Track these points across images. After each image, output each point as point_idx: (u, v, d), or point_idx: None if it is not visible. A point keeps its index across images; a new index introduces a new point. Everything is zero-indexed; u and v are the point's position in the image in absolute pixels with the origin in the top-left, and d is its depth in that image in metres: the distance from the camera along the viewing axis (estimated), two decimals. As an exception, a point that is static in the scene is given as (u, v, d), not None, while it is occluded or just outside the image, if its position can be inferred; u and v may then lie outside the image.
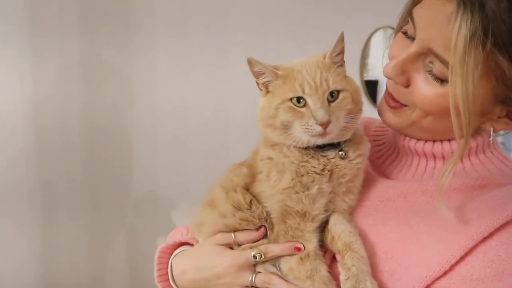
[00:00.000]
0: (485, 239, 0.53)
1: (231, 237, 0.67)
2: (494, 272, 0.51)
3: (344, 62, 0.66)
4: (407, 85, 0.59)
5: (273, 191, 0.66)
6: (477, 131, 0.65)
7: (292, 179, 0.64)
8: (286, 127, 0.63)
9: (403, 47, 0.59)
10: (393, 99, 0.63)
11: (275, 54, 2.76)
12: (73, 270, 2.32)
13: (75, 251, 2.33)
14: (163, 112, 2.46)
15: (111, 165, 2.37)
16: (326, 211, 0.67)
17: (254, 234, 0.67)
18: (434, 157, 0.65)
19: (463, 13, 0.48)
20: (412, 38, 0.58)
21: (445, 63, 0.52)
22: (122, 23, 2.26)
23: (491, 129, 0.62)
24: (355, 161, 0.66)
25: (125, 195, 2.45)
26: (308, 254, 0.62)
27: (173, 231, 0.90)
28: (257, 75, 0.66)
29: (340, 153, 0.65)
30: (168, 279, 0.76)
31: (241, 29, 2.55)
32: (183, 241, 0.80)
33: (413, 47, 0.56)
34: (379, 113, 0.69)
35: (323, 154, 0.64)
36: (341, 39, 0.62)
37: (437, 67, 0.54)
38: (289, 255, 0.63)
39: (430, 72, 0.56)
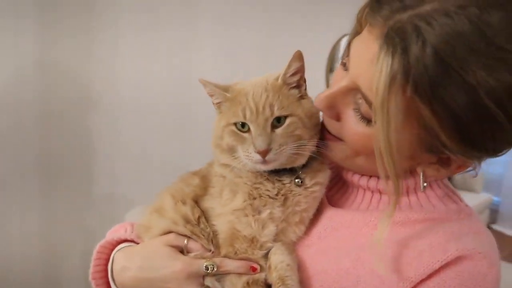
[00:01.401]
0: (423, 280, 0.53)
1: (183, 240, 0.63)
2: None
3: (302, 81, 0.63)
4: (338, 119, 0.57)
5: (223, 210, 0.63)
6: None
7: (244, 201, 0.61)
8: (231, 150, 0.61)
9: (340, 78, 0.56)
10: (328, 131, 0.61)
11: (245, 31, 2.78)
12: (26, 268, 2.24)
13: (28, 250, 2.24)
14: (125, 101, 2.41)
15: (69, 163, 2.29)
16: (274, 240, 0.63)
17: (206, 250, 0.64)
18: (380, 191, 0.63)
19: (385, 55, 0.44)
20: (347, 70, 0.56)
21: (369, 104, 0.50)
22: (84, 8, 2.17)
23: (421, 173, 0.57)
24: (311, 189, 0.63)
25: (83, 195, 2.38)
26: (257, 281, 0.59)
27: (115, 226, 0.83)
28: (210, 95, 0.64)
29: (296, 180, 0.62)
30: (103, 276, 0.70)
31: (211, 10, 2.49)
32: (129, 238, 0.73)
33: (344, 82, 0.54)
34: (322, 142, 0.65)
35: (278, 178, 0.62)
36: (296, 58, 0.60)
37: (364, 107, 0.52)
38: (242, 273, 0.59)
39: (357, 110, 0.53)
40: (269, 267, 0.60)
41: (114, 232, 0.77)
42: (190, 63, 2.58)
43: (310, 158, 0.63)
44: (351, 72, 0.53)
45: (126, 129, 2.51)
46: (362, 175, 0.64)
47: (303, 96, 0.63)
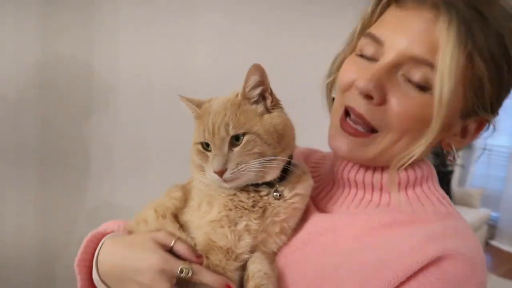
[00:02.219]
0: (402, 282, 0.51)
1: (171, 241, 0.60)
2: None
3: (267, 94, 0.62)
4: (382, 102, 0.56)
5: (201, 222, 0.62)
6: (417, 164, 0.63)
7: (219, 212, 0.60)
8: (199, 167, 0.62)
9: (362, 68, 0.58)
10: (362, 124, 0.59)
11: (246, 23, 2.80)
12: (21, 264, 2.24)
13: (23, 247, 2.22)
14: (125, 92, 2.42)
15: (67, 159, 2.30)
16: (251, 251, 0.62)
17: (194, 254, 0.60)
18: (372, 188, 0.64)
19: (449, 20, 0.50)
20: (371, 59, 0.58)
21: (430, 65, 0.52)
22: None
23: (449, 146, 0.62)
24: (291, 201, 0.62)
25: (80, 192, 2.37)
26: None
27: (110, 221, 0.84)
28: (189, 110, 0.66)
29: (274, 194, 0.61)
30: (87, 266, 0.70)
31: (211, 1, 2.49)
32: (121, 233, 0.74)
33: (388, 58, 0.55)
34: (330, 134, 0.65)
35: (255, 189, 0.61)
36: (253, 71, 0.59)
37: (417, 74, 0.54)
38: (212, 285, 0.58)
39: (409, 81, 0.55)
40: (247, 277, 0.59)
41: (108, 225, 0.77)
42: (191, 57, 2.60)
43: (287, 171, 0.63)
44: (395, 46, 0.54)
45: (127, 124, 2.51)
46: (358, 170, 0.64)
47: (269, 110, 0.62)
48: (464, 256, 0.52)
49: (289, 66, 3.58)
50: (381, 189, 0.63)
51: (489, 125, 0.61)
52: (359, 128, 0.59)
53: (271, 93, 0.62)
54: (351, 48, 0.64)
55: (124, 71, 2.44)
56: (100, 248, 0.64)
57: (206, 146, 0.60)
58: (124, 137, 2.49)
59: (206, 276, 0.57)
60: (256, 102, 0.61)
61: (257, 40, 2.90)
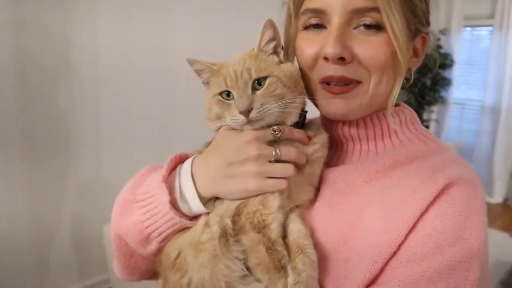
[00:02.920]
0: (422, 214, 0.56)
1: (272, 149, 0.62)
2: (433, 245, 0.54)
3: (279, 49, 0.67)
4: (352, 58, 0.61)
5: None
6: (400, 109, 0.71)
7: None
8: (218, 117, 0.65)
9: (315, 39, 0.63)
10: (342, 81, 0.63)
11: (222, 7, 2.79)
12: (13, 251, 2.28)
13: (15, 229, 2.27)
14: (105, 76, 2.45)
15: (51, 140, 2.30)
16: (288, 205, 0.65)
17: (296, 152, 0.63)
18: (367, 138, 0.69)
19: None
20: (318, 26, 0.63)
21: (374, 10, 0.58)
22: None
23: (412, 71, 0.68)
24: (313, 149, 0.66)
25: (67, 171, 2.39)
26: (276, 241, 0.60)
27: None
28: (198, 73, 0.67)
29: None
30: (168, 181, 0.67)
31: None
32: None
33: (336, 19, 0.60)
34: (324, 105, 0.68)
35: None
36: (268, 26, 0.64)
37: (367, 21, 0.60)
38: (299, 141, 0.64)
39: (363, 27, 0.60)
40: (287, 234, 0.62)
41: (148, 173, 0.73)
42: (170, 31, 2.60)
43: (307, 123, 0.68)
44: (337, 7, 0.59)
45: (109, 100, 2.53)
46: (351, 126, 0.69)
47: (282, 61, 0.67)
48: (465, 180, 0.59)
49: None
50: (374, 138, 0.69)
51: (429, 38, 0.69)
52: (342, 85, 0.64)
53: (282, 48, 0.67)
54: (294, 29, 0.68)
55: (103, 49, 2.42)
56: (190, 166, 0.65)
57: (226, 96, 0.63)
58: (106, 113, 2.50)
59: (294, 132, 0.63)
60: (271, 54, 0.66)
61: (234, 25, 2.90)
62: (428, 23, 0.67)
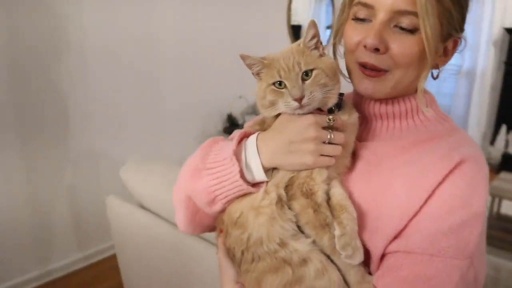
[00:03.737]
0: (439, 183, 0.68)
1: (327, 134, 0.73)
2: (447, 208, 0.66)
3: (319, 44, 0.76)
4: (386, 51, 0.71)
5: None
6: (423, 94, 0.78)
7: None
8: (272, 104, 0.74)
9: (363, 28, 0.73)
10: (374, 69, 0.74)
11: None
12: (14, 229, 2.34)
13: (13, 209, 2.33)
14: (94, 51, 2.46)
15: (45, 118, 2.33)
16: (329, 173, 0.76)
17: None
18: (394, 116, 0.80)
19: None
20: (365, 19, 0.73)
21: (413, 14, 0.68)
22: None
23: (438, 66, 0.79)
24: (352, 126, 0.78)
25: (61, 150, 2.43)
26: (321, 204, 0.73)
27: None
28: (249, 66, 0.76)
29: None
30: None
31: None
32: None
33: (381, 16, 0.70)
34: (356, 83, 0.79)
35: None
36: (311, 26, 0.74)
37: (406, 20, 0.69)
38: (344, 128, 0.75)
39: (401, 28, 0.70)
40: (330, 197, 0.74)
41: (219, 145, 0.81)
42: (153, 19, 2.66)
43: (342, 105, 0.78)
44: (385, 6, 0.69)
45: (100, 75, 2.56)
46: (381, 103, 0.80)
47: (322, 55, 0.77)
48: (474, 158, 0.71)
49: (248, 34, 3.58)
50: (400, 117, 0.80)
51: (461, 41, 0.78)
52: (374, 72, 0.75)
53: (321, 43, 0.78)
54: (345, 16, 0.78)
55: (93, 26, 2.41)
56: (255, 142, 0.75)
57: (279, 85, 0.73)
58: (97, 90, 2.53)
59: (343, 123, 0.75)
60: (314, 49, 0.76)
61: (217, 10, 2.91)
62: (462, 30, 0.75)
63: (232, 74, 3.55)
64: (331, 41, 0.84)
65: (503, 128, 4.84)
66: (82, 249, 2.65)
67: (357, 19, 0.75)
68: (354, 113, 0.79)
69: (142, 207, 1.78)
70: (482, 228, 0.68)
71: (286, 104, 0.72)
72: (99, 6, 2.43)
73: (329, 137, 0.72)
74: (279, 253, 0.71)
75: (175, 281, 1.63)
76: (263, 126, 0.81)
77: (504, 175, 3.57)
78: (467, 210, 0.67)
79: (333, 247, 0.70)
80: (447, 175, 0.69)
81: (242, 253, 0.74)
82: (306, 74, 0.72)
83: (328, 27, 4.44)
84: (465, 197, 0.68)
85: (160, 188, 1.65)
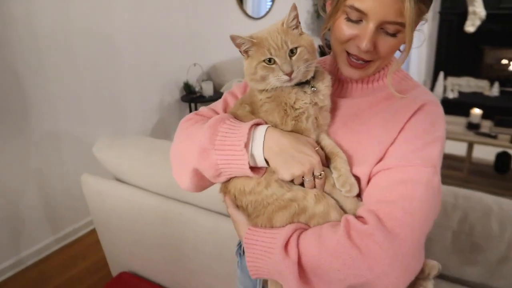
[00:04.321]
0: (408, 119, 0.84)
1: (320, 171, 0.83)
2: (415, 135, 0.82)
3: (298, 23, 0.85)
4: (374, 48, 0.84)
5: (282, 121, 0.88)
6: (390, 60, 0.93)
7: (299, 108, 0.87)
8: (263, 79, 0.83)
9: (354, 28, 0.83)
10: (362, 60, 0.87)
11: None
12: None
13: None
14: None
15: (4, 109, 2.25)
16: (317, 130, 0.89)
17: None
18: (367, 81, 0.94)
19: None
20: (357, 21, 0.82)
21: (398, 24, 0.79)
22: None
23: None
24: (324, 90, 0.89)
25: (24, 137, 2.37)
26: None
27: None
28: (239, 45, 0.85)
29: (312, 88, 0.87)
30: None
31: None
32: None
33: (371, 25, 0.80)
34: (342, 66, 0.91)
35: (303, 90, 0.87)
36: (293, 9, 0.83)
37: (391, 28, 0.81)
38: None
39: (386, 33, 0.82)
40: (323, 147, 0.87)
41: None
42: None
43: (315, 73, 0.88)
44: (375, 17, 0.79)
45: (60, 54, 2.48)
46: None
47: (301, 34, 0.86)
48: (434, 102, 0.87)
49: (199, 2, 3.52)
50: (372, 80, 0.94)
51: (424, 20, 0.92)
52: (361, 62, 0.88)
53: (299, 23, 0.88)
54: (337, 13, 0.86)
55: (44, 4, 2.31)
56: (263, 135, 0.84)
57: (268, 62, 0.82)
58: (55, 68, 2.46)
59: (322, 182, 0.84)
60: (295, 28, 0.86)
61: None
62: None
63: (186, 43, 3.54)
64: (322, 31, 0.95)
65: (441, 75, 5.19)
66: (55, 232, 2.64)
67: (349, 20, 0.85)
68: (326, 77, 0.91)
69: (119, 181, 1.81)
70: (442, 148, 0.84)
71: (277, 78, 0.82)
72: None
73: (310, 179, 0.83)
74: (285, 196, 0.83)
75: (165, 248, 1.71)
76: (252, 107, 0.91)
77: (445, 117, 3.90)
78: (430, 135, 0.82)
79: (332, 185, 0.84)
80: (413, 114, 0.85)
81: (254, 207, 0.86)
82: (292, 51, 0.83)
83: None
84: (428, 126, 0.83)
85: (137, 161, 1.69)
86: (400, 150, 0.82)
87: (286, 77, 0.82)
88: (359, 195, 0.85)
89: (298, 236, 0.78)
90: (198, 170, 0.89)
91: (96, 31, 2.69)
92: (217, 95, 3.47)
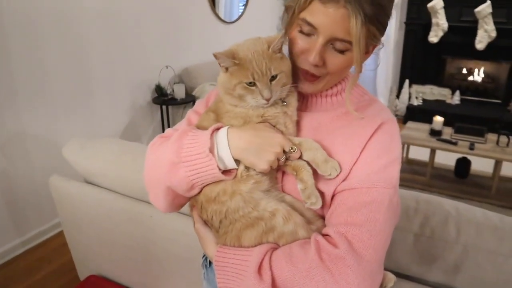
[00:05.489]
0: (369, 139, 0.87)
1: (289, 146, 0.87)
2: (376, 155, 0.86)
3: (282, 47, 0.88)
4: (322, 64, 0.86)
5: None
6: (347, 76, 0.97)
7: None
8: (240, 97, 0.87)
9: (306, 41, 0.86)
10: (313, 75, 0.89)
11: None
12: None
13: None
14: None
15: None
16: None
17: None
18: (326, 95, 0.97)
19: (353, 12, 0.78)
20: (309, 34, 0.85)
21: (347, 42, 0.82)
22: None
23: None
24: (292, 105, 0.93)
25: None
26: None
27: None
28: (220, 62, 0.88)
29: (283, 103, 0.91)
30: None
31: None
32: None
33: (320, 40, 0.82)
34: (300, 86, 0.93)
35: (274, 105, 0.91)
36: (282, 36, 0.87)
37: (339, 45, 0.83)
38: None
39: (334, 49, 0.84)
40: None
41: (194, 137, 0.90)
42: None
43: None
44: (324, 32, 0.82)
45: (21, 59, 2.42)
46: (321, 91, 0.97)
47: (282, 57, 0.89)
48: (390, 120, 0.91)
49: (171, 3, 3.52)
50: (331, 95, 0.97)
51: (381, 44, 0.96)
52: (314, 78, 0.92)
53: (281, 47, 0.91)
54: (292, 26, 0.90)
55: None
56: (226, 136, 0.86)
57: (249, 84, 0.85)
58: (21, 65, 2.40)
59: (297, 155, 0.88)
60: (278, 52, 0.89)
61: None
62: (380, 39, 0.91)
63: (158, 45, 3.53)
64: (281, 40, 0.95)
65: (406, 83, 5.38)
66: (21, 234, 2.57)
67: (301, 32, 0.88)
68: (294, 92, 0.95)
69: (89, 183, 1.80)
70: (399, 166, 0.90)
71: (256, 100, 0.86)
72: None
73: (284, 157, 0.87)
74: (252, 214, 0.85)
75: (135, 251, 1.70)
76: (217, 113, 0.95)
77: (410, 124, 4.04)
78: (389, 155, 0.87)
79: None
80: (373, 134, 0.89)
81: (221, 221, 0.88)
82: (273, 77, 0.86)
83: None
84: (387, 146, 0.88)
85: (108, 163, 1.68)
86: (363, 171, 0.86)
87: (264, 101, 0.86)
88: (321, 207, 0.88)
89: (270, 258, 0.81)
90: (170, 187, 0.91)
91: (67, 31, 2.65)
92: (189, 97, 3.47)
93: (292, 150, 0.87)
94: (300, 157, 0.89)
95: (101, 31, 2.92)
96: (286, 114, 0.91)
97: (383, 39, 0.91)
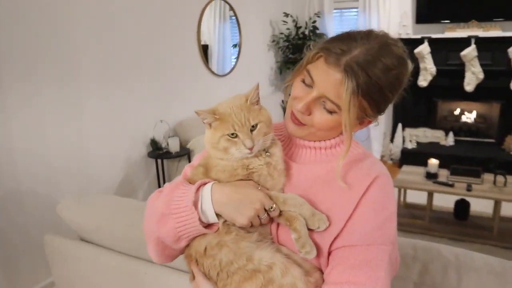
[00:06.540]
0: (364, 194, 0.87)
1: (271, 205, 0.89)
2: (373, 212, 0.86)
3: (258, 100, 0.93)
4: (309, 114, 0.91)
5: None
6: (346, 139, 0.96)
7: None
8: (225, 149, 0.90)
9: (304, 90, 0.91)
10: (298, 119, 0.94)
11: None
12: None
13: None
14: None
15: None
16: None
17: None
18: (320, 148, 0.99)
19: (347, 79, 0.82)
20: (308, 85, 0.90)
21: (336, 105, 0.86)
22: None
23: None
24: (277, 155, 0.95)
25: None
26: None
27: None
28: (202, 119, 0.92)
29: (267, 153, 0.94)
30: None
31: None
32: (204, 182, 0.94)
33: (313, 94, 0.87)
34: (286, 125, 0.98)
35: (257, 157, 0.93)
36: (256, 88, 0.92)
37: (329, 105, 0.87)
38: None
39: (324, 107, 0.88)
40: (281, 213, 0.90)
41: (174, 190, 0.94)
42: None
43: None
44: (318, 88, 0.87)
45: (20, 116, 2.43)
46: (310, 141, 0.99)
47: (260, 108, 0.94)
48: (384, 174, 0.92)
49: (163, 53, 3.64)
50: (325, 148, 0.99)
51: (376, 122, 0.99)
52: (298, 122, 0.95)
53: (259, 99, 0.96)
54: (299, 73, 0.95)
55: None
56: (210, 191, 0.89)
57: (231, 135, 0.88)
58: (22, 124, 2.42)
59: (276, 213, 0.89)
60: (255, 104, 0.94)
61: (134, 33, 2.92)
62: (376, 117, 0.95)
63: (152, 100, 3.60)
64: (285, 82, 1.02)
65: (399, 127, 5.45)
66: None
67: (303, 82, 0.93)
68: (278, 143, 0.98)
69: (84, 240, 1.77)
70: (396, 222, 0.90)
71: (239, 150, 0.89)
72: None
73: (264, 217, 0.89)
74: (248, 266, 0.86)
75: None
76: (206, 167, 0.97)
77: (405, 168, 4.05)
78: (386, 210, 0.88)
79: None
80: (368, 188, 0.89)
81: (218, 274, 0.89)
82: (253, 126, 0.90)
83: (234, 46, 4.69)
84: (383, 202, 0.89)
85: (103, 220, 1.67)
86: (362, 226, 0.87)
87: (247, 151, 0.88)
88: (317, 256, 0.88)
89: None
90: (159, 238, 0.93)
91: (63, 84, 2.71)
92: (183, 151, 3.50)
93: (271, 210, 0.88)
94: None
95: (95, 86, 2.99)
96: (269, 165, 0.93)
97: (379, 117, 0.95)
